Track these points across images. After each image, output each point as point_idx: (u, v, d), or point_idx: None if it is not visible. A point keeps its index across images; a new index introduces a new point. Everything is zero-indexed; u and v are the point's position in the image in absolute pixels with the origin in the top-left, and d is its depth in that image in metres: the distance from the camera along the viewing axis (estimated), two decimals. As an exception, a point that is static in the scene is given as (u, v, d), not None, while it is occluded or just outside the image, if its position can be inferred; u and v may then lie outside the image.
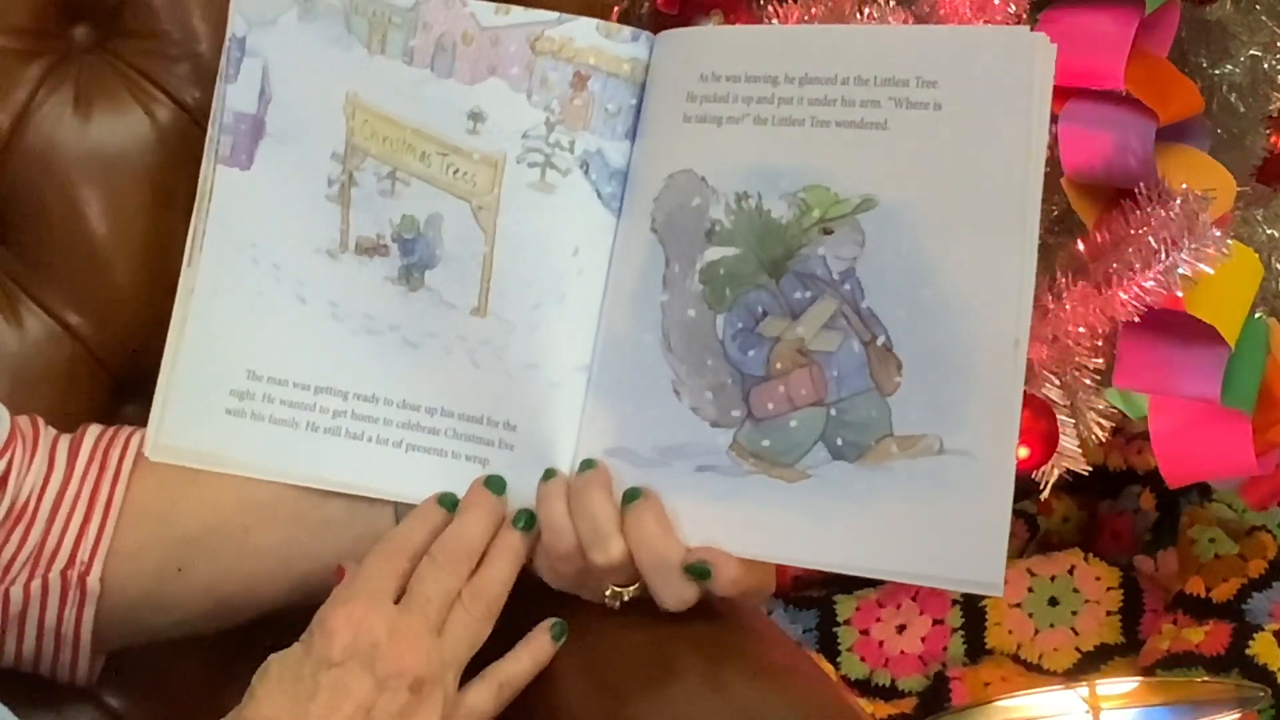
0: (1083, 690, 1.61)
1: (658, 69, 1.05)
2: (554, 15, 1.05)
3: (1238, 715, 1.65)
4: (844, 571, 1.01)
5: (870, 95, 0.98)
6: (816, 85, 0.99)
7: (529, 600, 1.06)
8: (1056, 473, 1.46)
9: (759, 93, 1.00)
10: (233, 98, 1.10)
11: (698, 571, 1.01)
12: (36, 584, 1.06)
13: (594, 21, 1.05)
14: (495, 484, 1.06)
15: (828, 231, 0.99)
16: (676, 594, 1.02)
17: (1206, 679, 1.69)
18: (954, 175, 0.96)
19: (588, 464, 1.04)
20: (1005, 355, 0.95)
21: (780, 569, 1.06)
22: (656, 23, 1.55)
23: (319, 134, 1.08)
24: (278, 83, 1.09)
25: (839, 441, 0.98)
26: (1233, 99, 1.51)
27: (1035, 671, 1.86)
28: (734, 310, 1.01)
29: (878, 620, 1.92)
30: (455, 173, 1.06)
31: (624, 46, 1.05)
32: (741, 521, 1.01)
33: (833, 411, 0.99)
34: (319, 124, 1.08)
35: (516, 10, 1.05)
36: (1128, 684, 1.62)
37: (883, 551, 0.98)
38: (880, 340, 0.98)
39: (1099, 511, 2.07)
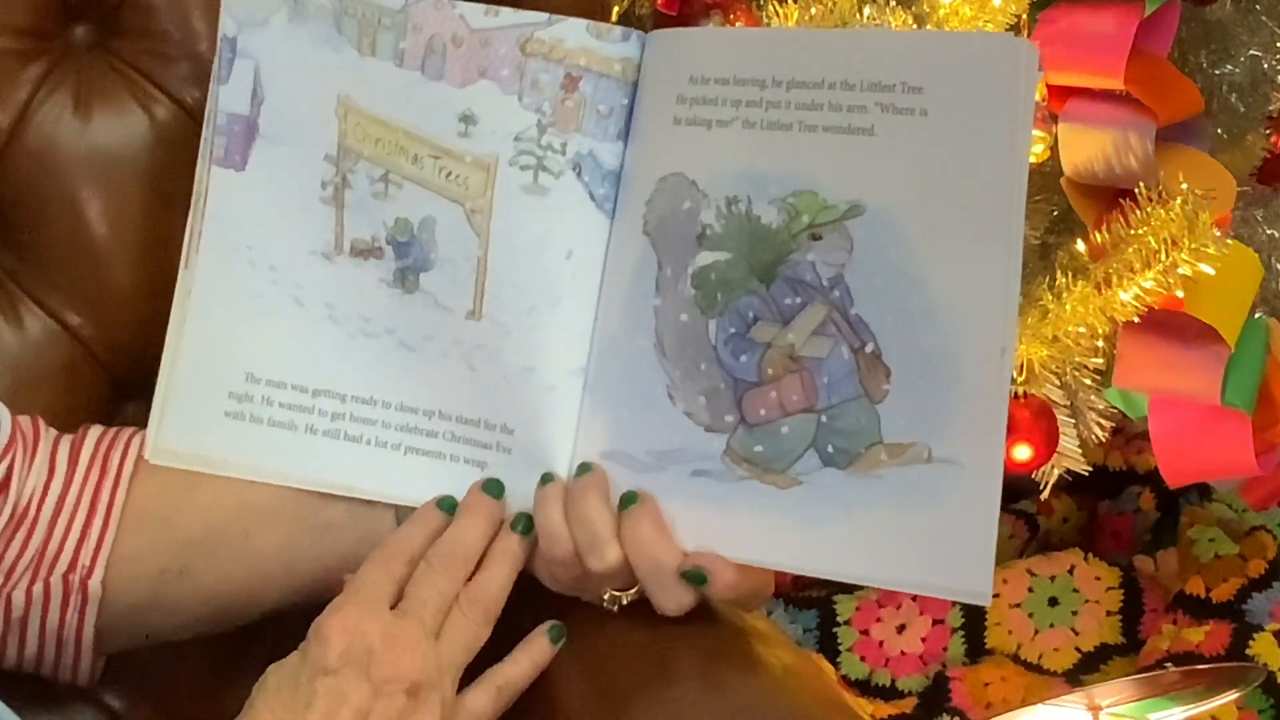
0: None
1: (649, 70, 1.04)
2: (544, 17, 1.04)
3: (1236, 695, 1.65)
4: (835, 579, 1.01)
5: (857, 100, 0.97)
6: (803, 89, 0.98)
7: (527, 603, 1.06)
8: (1056, 473, 1.47)
9: (747, 96, 1.00)
10: (225, 99, 1.10)
11: (694, 577, 1.01)
12: (38, 588, 1.05)
13: (584, 22, 1.04)
14: (493, 488, 1.05)
15: (816, 237, 0.98)
16: (674, 599, 1.02)
17: (1201, 667, 1.69)
18: (940, 182, 0.96)
19: (584, 468, 1.04)
20: (992, 363, 0.94)
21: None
22: (656, 24, 1.55)
23: (311, 135, 1.08)
24: (269, 84, 1.09)
25: (829, 448, 0.98)
26: (1233, 99, 1.51)
27: (1035, 672, 1.87)
28: (726, 315, 1.00)
29: (878, 620, 1.92)
30: (448, 175, 1.05)
31: (615, 47, 1.04)
32: (736, 527, 1.00)
33: (823, 418, 0.99)
34: (311, 125, 1.08)
35: (506, 12, 1.04)
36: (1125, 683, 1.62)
37: (872, 560, 0.98)
38: (869, 347, 0.97)
39: (1099, 511, 2.08)
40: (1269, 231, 1.50)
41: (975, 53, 0.97)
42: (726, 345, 1.01)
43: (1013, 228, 0.94)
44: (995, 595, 1.92)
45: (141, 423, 1.12)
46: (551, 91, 1.04)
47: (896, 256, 0.96)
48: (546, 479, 1.04)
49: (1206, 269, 1.26)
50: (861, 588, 1.92)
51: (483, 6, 1.05)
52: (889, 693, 1.89)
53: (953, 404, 0.95)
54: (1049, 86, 1.36)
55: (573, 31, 1.04)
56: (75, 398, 1.23)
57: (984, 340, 0.94)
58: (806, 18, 1.29)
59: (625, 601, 1.05)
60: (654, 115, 1.04)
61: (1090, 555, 1.95)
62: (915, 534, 0.96)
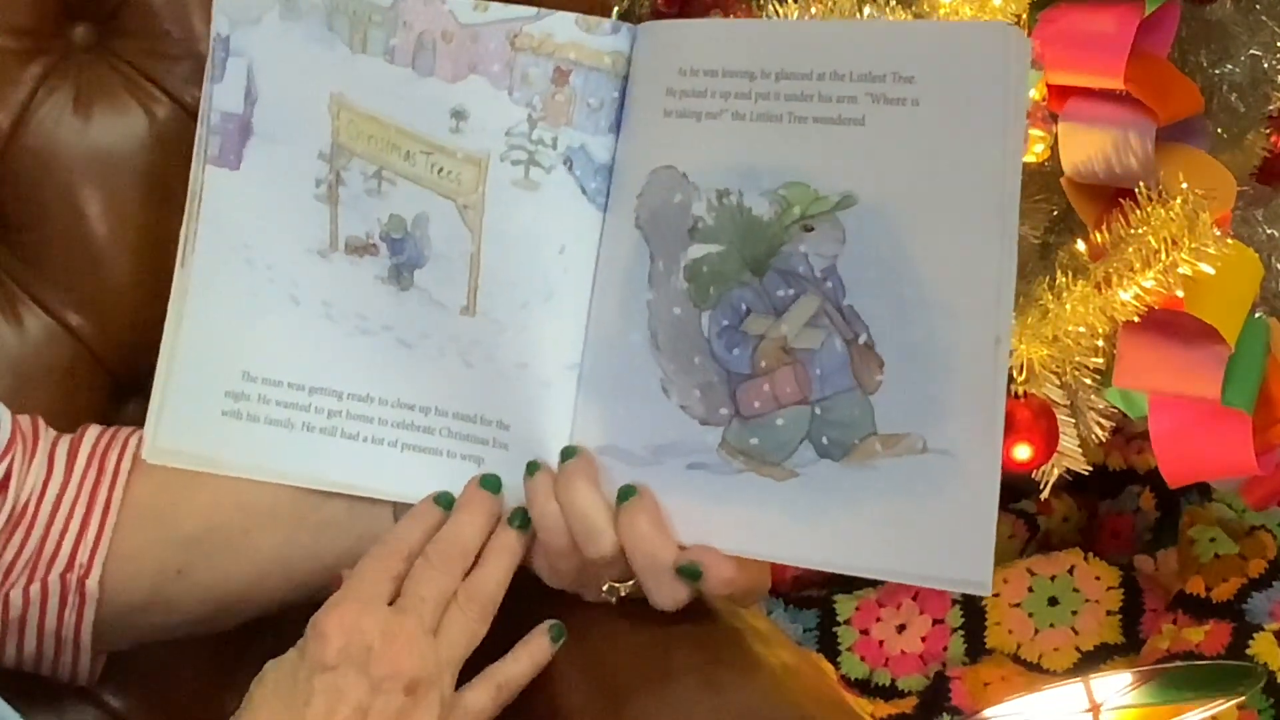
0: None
1: (639, 62, 1.04)
2: (533, 11, 1.04)
3: (1239, 699, 1.65)
4: (834, 570, 1.00)
5: (847, 91, 0.96)
6: (793, 81, 0.98)
7: (528, 601, 1.06)
8: (1056, 472, 1.46)
9: (737, 88, 0.99)
10: (219, 97, 1.10)
11: (689, 573, 1.00)
12: (36, 588, 1.06)
13: (573, 16, 1.04)
14: (490, 483, 1.05)
15: (808, 229, 0.97)
16: (669, 594, 1.01)
17: (1199, 663, 1.69)
18: (932, 172, 0.95)
19: (569, 453, 1.03)
20: (986, 353, 0.93)
21: (780, 568, 1.05)
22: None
23: (305, 133, 1.08)
24: (263, 82, 1.09)
25: (824, 440, 0.98)
26: (1233, 99, 1.51)
27: (1035, 671, 1.86)
28: (719, 308, 1.00)
29: (878, 620, 1.92)
30: (440, 172, 1.05)
31: (604, 39, 1.04)
32: (733, 520, 1.00)
33: (817, 410, 0.98)
34: (305, 123, 1.08)
35: (495, 6, 1.05)
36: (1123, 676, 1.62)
37: (871, 551, 0.97)
38: (862, 338, 0.96)
39: (1099, 511, 2.07)
40: (1269, 231, 1.49)
41: (965, 41, 0.96)
42: (719, 338, 1.00)
43: (1006, 216, 0.93)
44: (995, 595, 1.92)
45: (141, 422, 1.12)
46: (542, 86, 1.04)
47: (889, 247, 0.96)
48: (533, 468, 1.04)
49: (1206, 269, 1.26)
50: (861, 587, 1.92)
51: (471, 1, 1.05)
52: (889, 692, 1.89)
53: (947, 395, 0.94)
54: (1049, 86, 1.36)
55: (562, 25, 1.04)
56: (75, 398, 1.24)
57: (978, 330, 0.94)
58: (806, 16, 1.29)
59: (624, 592, 1.04)
60: (644, 108, 1.03)
61: (1090, 555, 1.95)
62: (913, 524, 0.95)
